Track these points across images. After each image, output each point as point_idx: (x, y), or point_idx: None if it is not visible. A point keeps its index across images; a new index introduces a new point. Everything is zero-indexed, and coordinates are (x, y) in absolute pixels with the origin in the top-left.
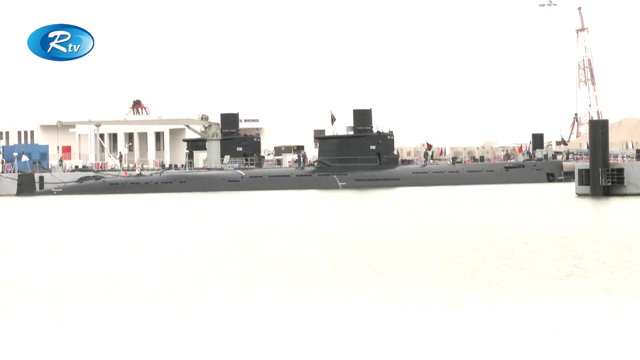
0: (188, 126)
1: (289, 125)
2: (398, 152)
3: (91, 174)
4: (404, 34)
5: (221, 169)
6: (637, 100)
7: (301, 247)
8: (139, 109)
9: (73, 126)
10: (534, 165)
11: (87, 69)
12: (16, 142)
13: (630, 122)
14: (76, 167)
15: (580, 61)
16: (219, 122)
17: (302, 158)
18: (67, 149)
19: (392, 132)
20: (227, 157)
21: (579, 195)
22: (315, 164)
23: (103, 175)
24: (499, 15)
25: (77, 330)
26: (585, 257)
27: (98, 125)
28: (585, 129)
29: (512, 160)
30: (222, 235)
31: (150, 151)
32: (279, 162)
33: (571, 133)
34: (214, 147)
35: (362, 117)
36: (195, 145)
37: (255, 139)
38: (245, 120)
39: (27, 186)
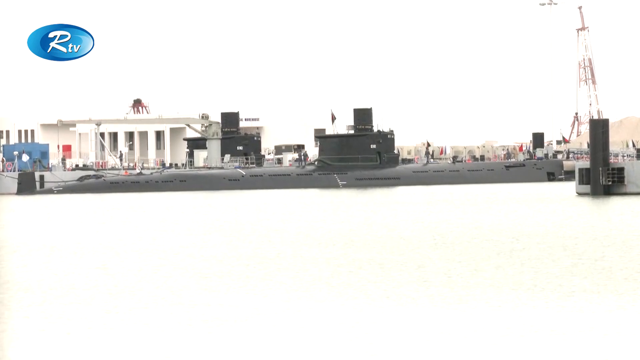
0: (188, 125)
1: (289, 124)
2: (398, 151)
3: (91, 172)
4: (404, 33)
5: (222, 168)
6: (638, 100)
7: (301, 246)
8: (140, 107)
9: (73, 125)
10: (535, 164)
11: (88, 68)
12: (17, 141)
13: (630, 121)
14: (76, 166)
15: (580, 60)
16: (220, 121)
17: (303, 157)
18: (67, 148)
19: (392, 131)
20: (227, 156)
21: (579, 194)
22: (316, 163)
23: (103, 174)
24: (500, 15)
25: (77, 328)
26: (585, 256)
27: (98, 124)
28: (585, 128)
29: (513, 160)
30: (222, 234)
31: (150, 150)
32: (279, 161)
33: (571, 132)
34: (215, 146)
35: (363, 116)
36: (196, 144)
37: (255, 138)
38: (245, 119)
39: (27, 185)
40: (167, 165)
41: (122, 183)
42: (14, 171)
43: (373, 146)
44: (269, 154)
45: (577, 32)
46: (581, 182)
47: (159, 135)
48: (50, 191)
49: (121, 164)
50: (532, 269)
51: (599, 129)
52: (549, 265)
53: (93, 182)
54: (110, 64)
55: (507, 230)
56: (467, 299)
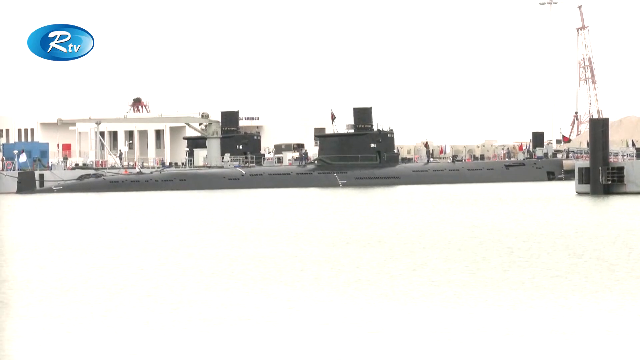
0: (188, 124)
1: (289, 124)
2: (398, 151)
3: (91, 171)
4: (404, 33)
5: (221, 167)
6: (638, 99)
7: (301, 245)
8: (139, 106)
9: (73, 124)
10: (534, 163)
11: (87, 68)
12: (16, 140)
13: (630, 120)
14: (76, 165)
15: (580, 59)
16: (219, 120)
17: (304, 156)
18: (67, 147)
19: (392, 130)
20: (227, 155)
21: (579, 193)
22: (316, 162)
23: (103, 173)
24: (500, 14)
25: (78, 327)
26: (585, 255)
27: (98, 123)
28: (585, 128)
29: (513, 159)
30: (222, 233)
31: (150, 149)
32: (279, 160)
33: (571, 131)
34: (214, 145)
35: (363, 115)
36: (196, 143)
37: (255, 137)
38: (245, 118)
39: (27, 184)
40: (167, 164)
41: (122, 182)
42: (14, 170)
43: (373, 145)
44: (268, 153)
45: (577, 31)
46: (581, 181)
47: (158, 134)
48: (50, 190)
49: (121, 163)
50: (531, 268)
51: (599, 128)
52: (549, 264)
53: (93, 181)
54: (110, 64)
55: (507, 229)
56: (467, 298)
